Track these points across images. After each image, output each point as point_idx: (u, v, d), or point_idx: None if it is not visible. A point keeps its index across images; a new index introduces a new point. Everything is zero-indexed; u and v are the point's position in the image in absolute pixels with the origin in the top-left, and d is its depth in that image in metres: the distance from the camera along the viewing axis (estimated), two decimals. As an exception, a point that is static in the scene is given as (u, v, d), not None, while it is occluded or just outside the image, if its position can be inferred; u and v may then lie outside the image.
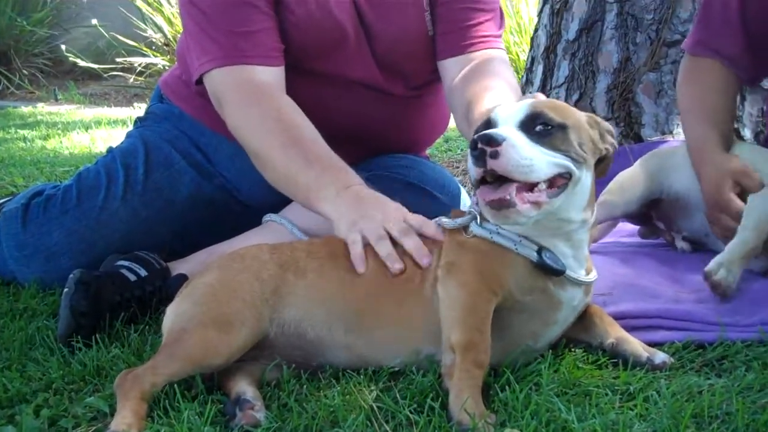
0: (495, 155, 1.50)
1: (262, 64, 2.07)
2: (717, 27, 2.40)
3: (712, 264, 1.99)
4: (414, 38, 2.23)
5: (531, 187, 1.55)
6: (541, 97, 1.80)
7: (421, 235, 1.73)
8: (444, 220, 1.73)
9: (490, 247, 1.64)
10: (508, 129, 1.55)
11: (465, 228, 1.68)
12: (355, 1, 2.17)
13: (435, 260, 1.68)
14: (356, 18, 2.18)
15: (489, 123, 1.61)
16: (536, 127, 1.57)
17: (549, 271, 1.62)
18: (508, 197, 1.52)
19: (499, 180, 1.55)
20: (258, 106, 2.03)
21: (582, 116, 1.68)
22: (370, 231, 1.73)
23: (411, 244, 1.70)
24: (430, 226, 1.73)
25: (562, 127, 1.59)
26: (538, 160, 1.53)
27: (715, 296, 1.97)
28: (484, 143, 1.50)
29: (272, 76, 2.09)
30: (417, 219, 1.75)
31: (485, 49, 2.23)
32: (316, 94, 2.18)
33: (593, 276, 1.74)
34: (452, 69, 2.22)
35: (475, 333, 1.55)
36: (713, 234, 2.27)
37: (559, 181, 1.59)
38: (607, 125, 1.73)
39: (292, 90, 2.10)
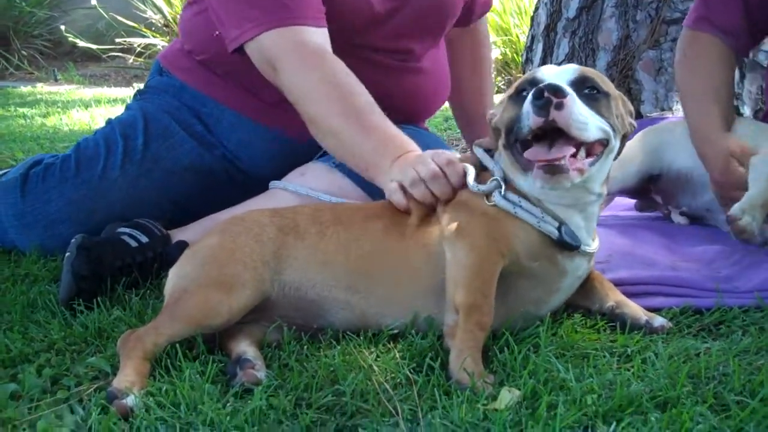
0: (560, 107, 1.50)
1: (312, 25, 2.03)
2: (717, 1, 2.41)
3: (735, 209, 2.02)
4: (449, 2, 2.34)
5: (574, 153, 1.56)
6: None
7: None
8: (470, 182, 1.71)
9: (498, 211, 1.64)
10: (563, 84, 1.56)
11: (487, 195, 1.68)
12: None
13: (438, 221, 1.70)
14: None
15: (535, 80, 1.60)
16: (585, 89, 1.59)
17: (566, 246, 1.64)
18: (563, 162, 1.53)
19: (544, 139, 1.56)
20: (317, 70, 1.98)
21: (617, 90, 1.70)
22: (406, 178, 1.76)
23: (438, 188, 1.73)
24: (453, 174, 1.75)
25: (607, 95, 1.62)
26: (591, 120, 1.55)
27: (740, 241, 2.02)
28: (551, 93, 1.50)
29: (323, 37, 2.05)
30: (442, 158, 1.77)
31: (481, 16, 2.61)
32: None
33: (596, 245, 1.76)
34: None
35: (479, 295, 1.56)
36: (719, 209, 2.29)
37: (597, 149, 1.61)
38: (631, 106, 1.75)
39: None
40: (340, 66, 2.00)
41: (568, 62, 3.50)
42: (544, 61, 3.64)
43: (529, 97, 1.54)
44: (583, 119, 1.53)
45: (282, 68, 2.01)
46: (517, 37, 6.20)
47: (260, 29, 2.01)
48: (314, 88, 1.97)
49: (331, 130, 1.95)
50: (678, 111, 3.23)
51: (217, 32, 2.15)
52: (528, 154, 1.58)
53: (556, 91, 1.51)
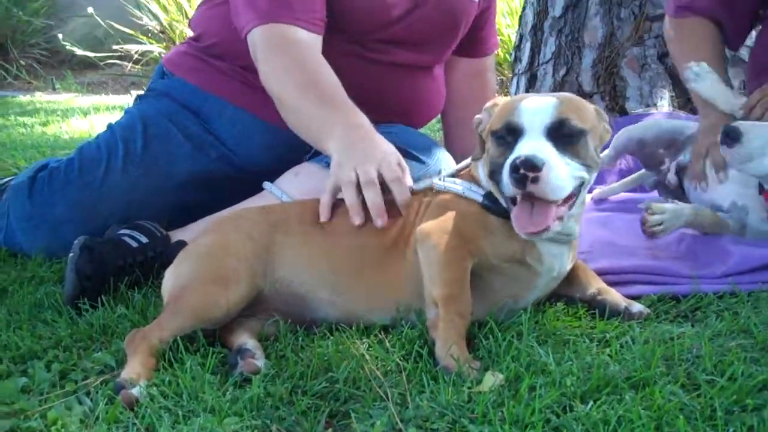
0: (536, 180, 1.56)
1: (301, 27, 2.16)
2: None
3: (656, 206, 2.14)
4: (461, 8, 2.48)
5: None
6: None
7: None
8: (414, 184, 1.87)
9: (469, 213, 1.73)
10: (540, 145, 1.60)
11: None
12: None
13: (415, 221, 1.79)
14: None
15: (513, 128, 1.64)
16: (562, 133, 1.63)
17: (493, 212, 1.72)
18: (548, 225, 1.61)
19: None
20: (286, 55, 2.13)
21: (593, 113, 1.74)
22: (345, 176, 1.85)
23: (371, 197, 1.81)
24: (398, 192, 1.84)
25: (583, 134, 1.65)
26: (567, 179, 1.61)
27: (689, 251, 2.09)
28: (528, 169, 1.56)
29: (309, 37, 2.17)
30: (391, 174, 1.84)
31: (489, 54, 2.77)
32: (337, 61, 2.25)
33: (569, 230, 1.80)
34: (463, 66, 2.70)
35: (454, 286, 1.64)
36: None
37: (575, 190, 1.67)
38: (605, 116, 1.79)
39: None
40: (311, 52, 2.14)
41: (555, 61, 3.59)
42: (532, 60, 3.72)
43: (507, 167, 1.59)
44: (561, 183, 1.59)
45: (259, 56, 2.16)
46: (509, 37, 6.26)
47: (256, 23, 2.16)
48: (281, 69, 2.12)
49: (290, 104, 2.09)
50: (662, 107, 3.32)
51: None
52: (514, 223, 1.64)
53: (534, 166, 1.55)
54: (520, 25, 3.90)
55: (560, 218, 1.64)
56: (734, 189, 2.22)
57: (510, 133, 1.65)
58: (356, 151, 1.88)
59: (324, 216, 1.84)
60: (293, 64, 2.11)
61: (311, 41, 2.17)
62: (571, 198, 1.66)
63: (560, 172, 1.59)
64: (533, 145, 1.59)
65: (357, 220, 1.80)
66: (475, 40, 2.69)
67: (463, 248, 1.68)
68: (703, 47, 2.49)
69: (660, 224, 2.09)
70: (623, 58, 3.45)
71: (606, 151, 2.64)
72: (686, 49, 2.53)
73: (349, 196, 1.83)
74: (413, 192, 1.85)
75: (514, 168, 1.57)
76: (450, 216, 1.72)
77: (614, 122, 3.12)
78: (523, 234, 1.63)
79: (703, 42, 2.51)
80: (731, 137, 2.04)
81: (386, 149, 1.91)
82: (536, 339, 1.64)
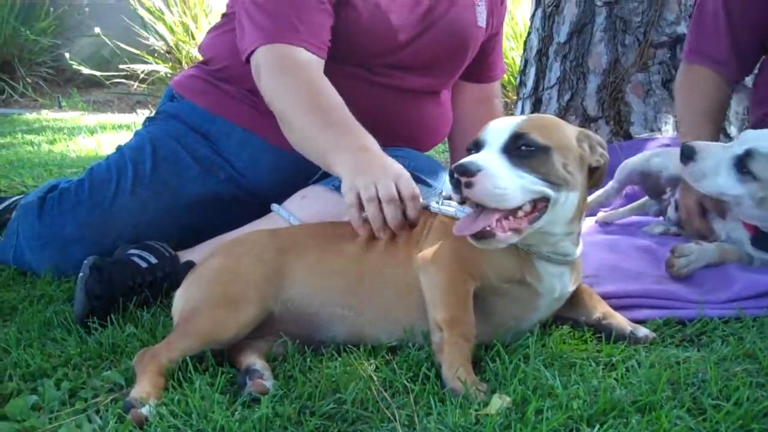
0: (469, 185, 1.59)
1: (306, 49, 2.19)
2: (708, 34, 2.63)
3: (683, 248, 2.15)
4: (469, 33, 2.52)
5: (514, 211, 1.64)
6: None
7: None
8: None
9: None
10: (488, 155, 1.64)
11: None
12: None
13: (421, 242, 1.80)
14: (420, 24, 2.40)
15: (478, 144, 1.70)
16: (519, 147, 1.65)
17: None
18: (489, 228, 1.62)
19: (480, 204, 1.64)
20: (291, 75, 2.15)
21: (572, 134, 1.74)
22: (366, 191, 1.86)
23: (392, 213, 1.83)
24: (412, 208, 1.86)
25: (545, 150, 1.66)
26: (512, 188, 1.61)
27: (695, 277, 2.11)
28: (460, 174, 1.60)
29: (312, 59, 2.20)
30: (408, 191, 1.87)
31: (497, 79, 2.83)
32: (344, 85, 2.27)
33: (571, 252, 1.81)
34: (471, 91, 2.76)
35: (458, 309, 1.66)
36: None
37: (540, 204, 1.67)
38: (598, 138, 1.79)
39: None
40: (317, 74, 2.17)
41: (560, 86, 3.62)
42: (536, 85, 3.75)
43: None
44: (499, 191, 1.59)
45: (263, 75, 2.19)
46: (513, 60, 6.31)
47: (260, 42, 2.19)
48: (286, 90, 2.14)
49: (298, 125, 2.11)
50: (667, 132, 3.34)
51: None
52: (456, 228, 1.66)
53: (464, 171, 1.59)
54: (525, 49, 3.93)
55: (516, 230, 1.63)
56: (726, 224, 2.26)
57: (476, 149, 1.69)
58: (370, 170, 1.90)
59: (362, 231, 1.86)
60: (298, 85, 2.13)
61: (315, 63, 2.20)
62: (533, 212, 1.66)
63: (501, 181, 1.60)
64: (479, 155, 1.64)
65: (382, 234, 1.84)
66: (482, 66, 2.72)
67: (464, 271, 1.70)
68: (705, 102, 2.59)
69: (686, 266, 2.11)
70: (628, 83, 3.48)
71: (610, 183, 2.68)
72: (690, 100, 2.63)
73: (372, 211, 1.84)
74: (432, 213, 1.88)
75: (451, 173, 1.61)
76: (448, 239, 1.74)
77: (619, 147, 3.16)
78: (461, 235, 1.64)
79: (705, 96, 2.60)
80: (686, 155, 2.13)
81: (399, 167, 1.93)
82: (543, 362, 1.65)
